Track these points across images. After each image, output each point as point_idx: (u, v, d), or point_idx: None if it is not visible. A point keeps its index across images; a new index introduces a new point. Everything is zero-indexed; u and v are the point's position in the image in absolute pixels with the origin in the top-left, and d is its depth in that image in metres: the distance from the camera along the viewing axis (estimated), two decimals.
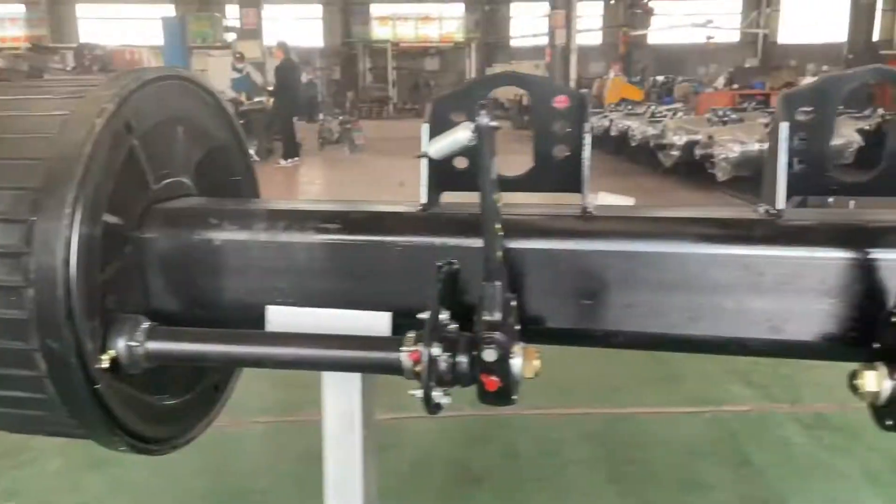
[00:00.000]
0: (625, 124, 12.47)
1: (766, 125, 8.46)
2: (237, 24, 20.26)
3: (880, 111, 9.11)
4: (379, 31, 31.48)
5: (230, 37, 19.87)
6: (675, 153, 10.03)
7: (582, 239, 1.38)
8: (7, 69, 13.66)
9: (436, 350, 1.19)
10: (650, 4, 28.37)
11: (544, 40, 18.25)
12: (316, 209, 1.56)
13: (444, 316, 1.25)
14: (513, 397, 1.24)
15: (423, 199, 1.47)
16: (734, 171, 8.72)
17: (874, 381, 1.12)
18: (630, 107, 14.54)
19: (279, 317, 1.43)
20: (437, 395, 1.20)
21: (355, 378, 1.44)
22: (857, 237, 1.29)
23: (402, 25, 31.60)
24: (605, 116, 14.19)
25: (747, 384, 3.50)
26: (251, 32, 18.88)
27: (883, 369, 1.13)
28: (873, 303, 1.24)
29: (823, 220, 1.39)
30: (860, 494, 2.61)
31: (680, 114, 12.10)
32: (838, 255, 1.27)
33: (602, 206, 1.48)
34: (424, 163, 1.44)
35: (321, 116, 16.94)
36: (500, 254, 1.22)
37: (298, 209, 1.58)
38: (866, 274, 1.26)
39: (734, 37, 31.86)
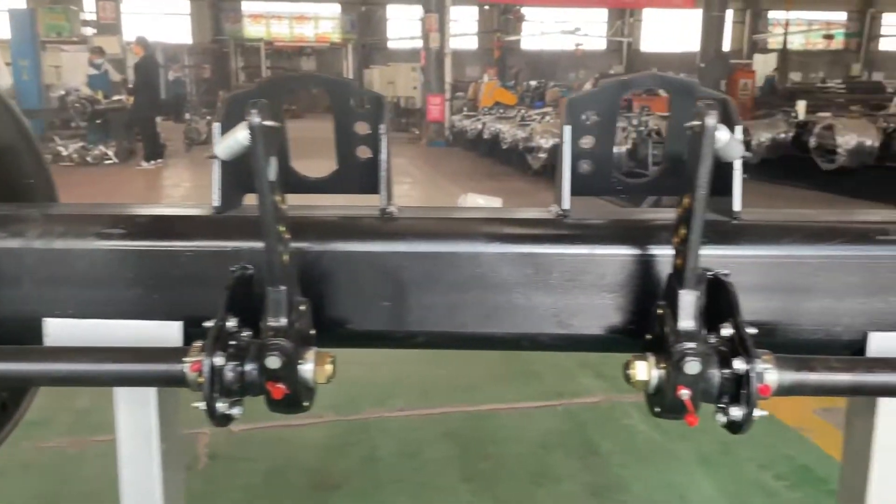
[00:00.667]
0: (497, 127, 12.75)
1: (623, 129, 8.87)
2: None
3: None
4: (251, 29, 30.59)
5: (89, 31, 18.69)
6: (543, 156, 10.36)
7: (379, 240, 1.36)
8: None
9: (219, 359, 1.11)
10: (522, 11, 29.27)
11: (420, 43, 18.36)
12: (99, 213, 1.44)
13: (232, 323, 1.18)
14: (304, 404, 1.19)
15: (216, 201, 1.40)
16: None
17: (644, 370, 1.16)
18: (503, 110, 14.89)
19: (58, 330, 1.31)
20: (223, 406, 1.13)
21: (149, 391, 1.34)
22: (633, 235, 1.34)
23: (277, 24, 30.87)
24: (479, 120, 14.47)
25: (598, 376, 3.63)
26: (110, 27, 17.80)
27: (652, 359, 1.17)
28: (647, 296, 1.29)
29: (606, 220, 1.43)
30: (693, 476, 2.75)
31: (548, 118, 12.48)
32: (616, 252, 1.32)
33: (408, 207, 1.46)
34: (217, 164, 1.37)
35: (188, 116, 16.25)
36: (285, 257, 1.17)
37: (79, 214, 1.46)
38: (641, 269, 1.31)
39: (601, 44, 33.47)
